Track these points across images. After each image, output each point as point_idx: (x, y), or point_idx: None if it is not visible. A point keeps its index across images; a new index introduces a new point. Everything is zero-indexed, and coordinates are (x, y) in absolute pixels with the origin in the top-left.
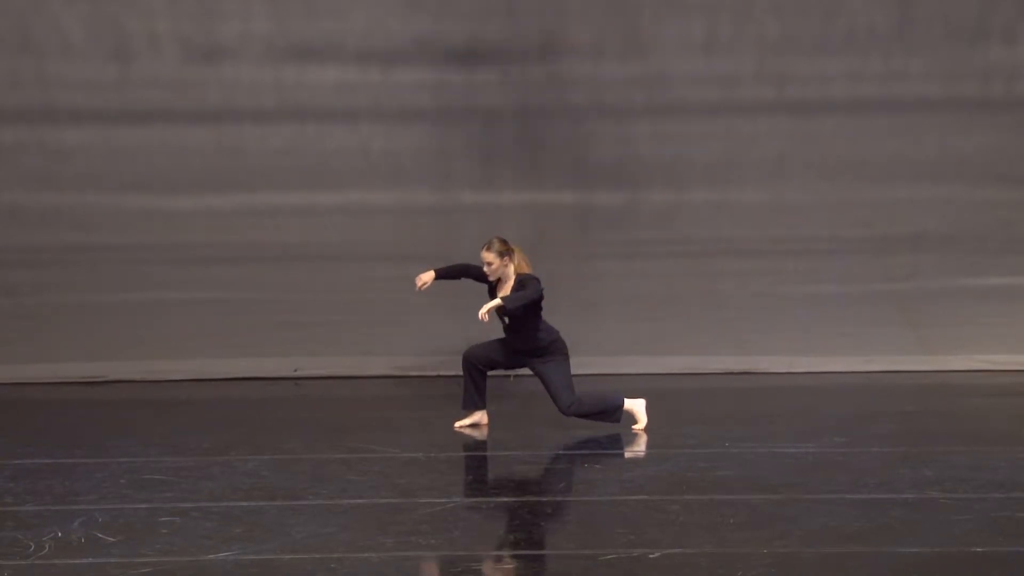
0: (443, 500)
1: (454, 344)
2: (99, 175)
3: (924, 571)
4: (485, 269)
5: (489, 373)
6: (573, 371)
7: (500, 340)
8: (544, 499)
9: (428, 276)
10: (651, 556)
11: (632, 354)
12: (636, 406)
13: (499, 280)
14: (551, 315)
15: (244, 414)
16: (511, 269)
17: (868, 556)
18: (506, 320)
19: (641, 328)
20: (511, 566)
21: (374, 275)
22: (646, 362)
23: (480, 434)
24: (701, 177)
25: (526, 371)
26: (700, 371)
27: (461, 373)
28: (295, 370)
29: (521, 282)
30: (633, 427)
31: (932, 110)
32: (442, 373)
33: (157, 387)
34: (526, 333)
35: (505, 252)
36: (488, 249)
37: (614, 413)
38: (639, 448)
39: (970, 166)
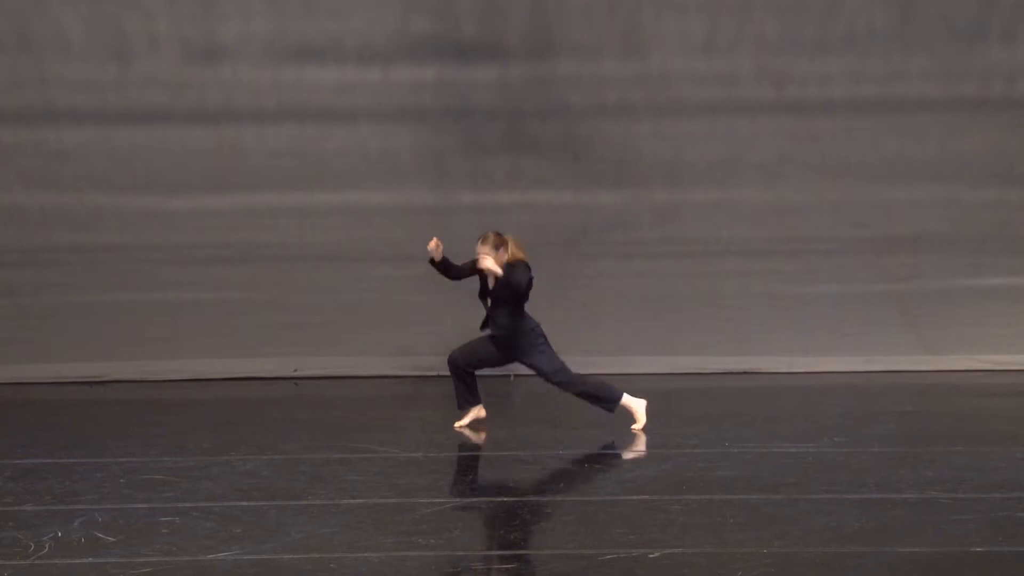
0: (443, 500)
1: (454, 344)
2: (99, 175)
3: (924, 571)
4: (480, 262)
5: (477, 373)
6: (571, 369)
7: (480, 338)
8: (544, 499)
9: (440, 250)
10: (651, 556)
11: (632, 354)
12: (637, 405)
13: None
14: (551, 312)
15: (244, 414)
16: (505, 259)
17: (868, 556)
18: (488, 301)
19: (641, 328)
20: (511, 566)
21: (374, 275)
22: (646, 362)
23: (480, 432)
24: (701, 177)
25: (527, 371)
26: (700, 371)
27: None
28: (295, 370)
29: (511, 265)
30: (632, 427)
31: (932, 110)
32: (442, 373)
33: (157, 387)
34: (506, 318)
35: (500, 245)
36: (483, 242)
37: (609, 402)
38: (639, 448)
39: (970, 166)
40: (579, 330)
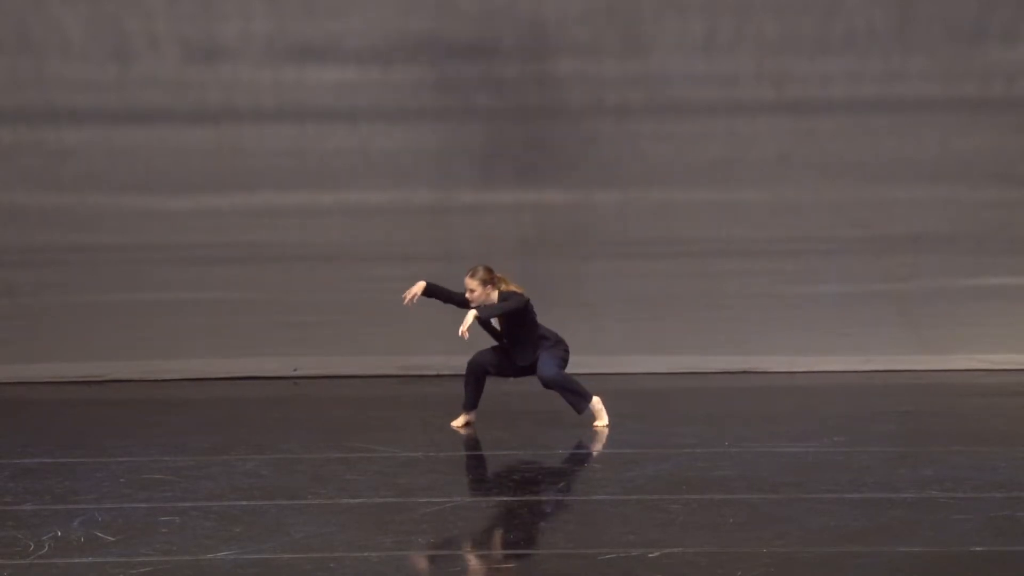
0: (443, 500)
1: (455, 344)
2: (99, 175)
3: (924, 571)
4: (467, 295)
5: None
6: (573, 369)
7: (504, 351)
8: (544, 499)
9: (418, 287)
10: (651, 556)
11: (632, 354)
12: (596, 404)
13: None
14: (551, 313)
15: (244, 414)
16: (495, 296)
17: (868, 556)
18: (504, 341)
19: (641, 328)
20: (511, 566)
21: (374, 275)
22: (646, 362)
23: (479, 432)
24: (701, 177)
25: None
26: (700, 371)
27: (463, 374)
28: (295, 370)
29: (504, 298)
30: (595, 424)
31: (932, 110)
32: (442, 373)
33: (157, 387)
34: (525, 346)
35: (489, 281)
36: (472, 276)
37: (581, 402)
38: (639, 448)
39: (970, 166)
40: (579, 330)
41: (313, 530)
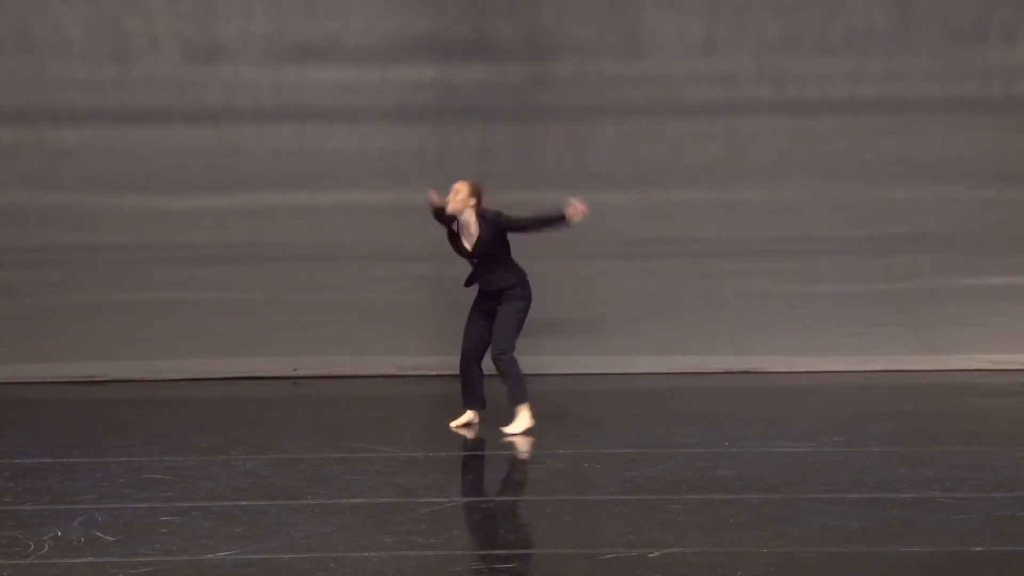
0: (443, 500)
1: (455, 343)
2: (99, 175)
3: (924, 571)
4: (450, 196)
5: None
6: (571, 369)
7: (472, 312)
8: (544, 499)
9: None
10: (651, 556)
11: (632, 354)
12: (524, 419)
13: (459, 225)
14: (552, 313)
15: (244, 414)
16: (472, 213)
17: (868, 556)
18: (475, 260)
19: (641, 328)
20: (511, 566)
21: (374, 275)
22: (646, 362)
23: (480, 432)
24: (701, 177)
25: (526, 370)
26: (700, 371)
27: (459, 374)
28: (295, 370)
29: (483, 216)
30: (506, 428)
31: (932, 110)
32: (442, 373)
33: (157, 387)
34: (499, 271)
35: (475, 194)
36: (463, 182)
37: (518, 395)
38: (639, 448)
39: (970, 166)
40: (579, 330)
41: (313, 530)
